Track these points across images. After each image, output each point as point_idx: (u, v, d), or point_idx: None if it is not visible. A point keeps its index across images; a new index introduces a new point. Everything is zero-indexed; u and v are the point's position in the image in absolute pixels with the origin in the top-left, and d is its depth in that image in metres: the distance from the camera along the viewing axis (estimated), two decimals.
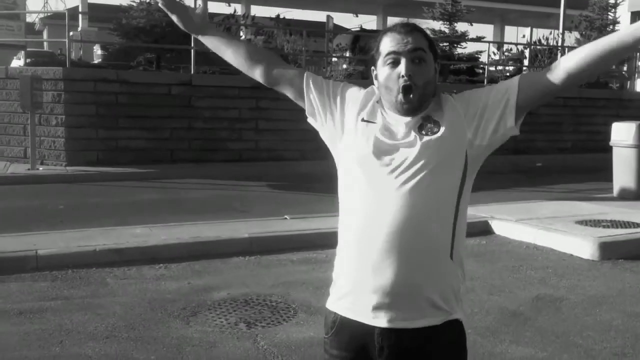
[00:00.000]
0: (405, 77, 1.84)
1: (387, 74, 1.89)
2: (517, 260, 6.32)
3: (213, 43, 2.20)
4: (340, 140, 1.98)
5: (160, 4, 2.16)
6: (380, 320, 1.84)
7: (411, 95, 1.85)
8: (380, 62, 1.92)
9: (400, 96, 1.86)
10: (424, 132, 1.87)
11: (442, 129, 1.86)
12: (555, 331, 4.48)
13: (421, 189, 1.81)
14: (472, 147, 1.89)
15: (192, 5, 2.32)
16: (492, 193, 10.11)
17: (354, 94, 2.02)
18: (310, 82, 2.05)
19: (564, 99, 16.13)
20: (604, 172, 10.16)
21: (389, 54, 1.88)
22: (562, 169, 13.92)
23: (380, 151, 1.86)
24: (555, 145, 16.20)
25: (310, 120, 2.08)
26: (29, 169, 11.21)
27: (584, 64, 1.83)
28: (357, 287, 1.87)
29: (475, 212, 8.07)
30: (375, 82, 1.98)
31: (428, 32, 1.99)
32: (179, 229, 6.83)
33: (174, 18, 2.18)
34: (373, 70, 1.98)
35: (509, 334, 4.42)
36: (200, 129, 12.81)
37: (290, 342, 4.18)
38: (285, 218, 7.57)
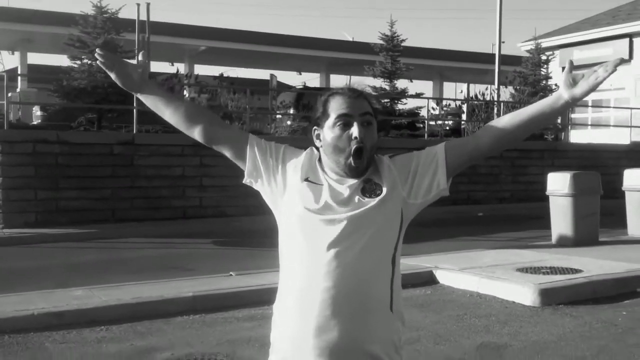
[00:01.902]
0: (358, 139, 1.91)
1: (336, 135, 1.93)
2: (461, 308, 6.40)
3: (152, 101, 2.18)
4: (281, 199, 2.00)
5: (99, 62, 2.14)
6: None
7: (362, 157, 1.91)
8: (328, 123, 1.97)
9: (351, 158, 1.91)
10: (367, 195, 1.92)
11: (384, 191, 1.93)
12: None
13: (361, 250, 1.86)
14: (407, 205, 1.96)
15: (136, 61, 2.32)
16: (436, 243, 10.28)
17: (295, 155, 2.06)
18: (255, 144, 2.07)
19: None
20: (543, 220, 10.46)
21: (340, 116, 1.94)
22: (502, 218, 14.24)
23: (323, 212, 1.90)
24: (495, 195, 16.61)
25: (248, 181, 2.08)
26: None
27: (505, 132, 1.97)
28: (299, 349, 1.87)
29: (419, 262, 8.19)
30: (316, 142, 2.02)
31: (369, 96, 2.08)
32: (121, 290, 6.69)
33: (113, 75, 2.15)
34: (315, 130, 2.02)
35: None
36: (143, 188, 12.68)
37: None
38: (231, 274, 7.51)
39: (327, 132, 1.96)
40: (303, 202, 1.93)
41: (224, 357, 4.95)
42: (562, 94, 1.96)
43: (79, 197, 12.08)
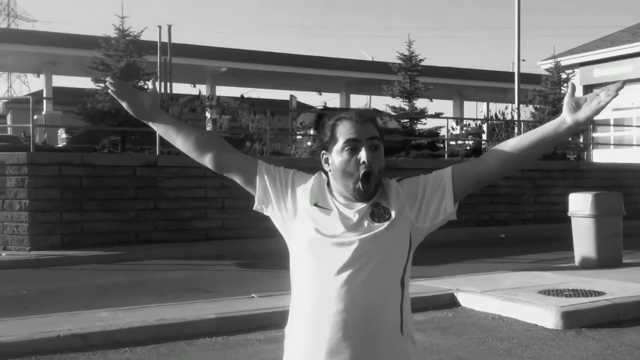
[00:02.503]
0: (367, 163, 1.94)
1: (344, 160, 1.97)
2: (483, 332, 6.39)
3: (164, 129, 2.22)
4: (292, 224, 2.05)
5: (110, 91, 2.18)
6: None
7: (370, 181, 1.95)
8: (337, 147, 2.00)
9: (360, 183, 1.94)
10: (375, 219, 1.96)
11: (393, 215, 1.96)
12: None
13: (371, 273, 1.90)
14: (415, 229, 2.00)
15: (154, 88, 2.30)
16: (458, 265, 10.27)
17: (305, 179, 2.10)
18: (264, 171, 2.11)
19: (522, 171, 16.57)
20: (566, 241, 10.39)
21: (348, 140, 1.97)
22: (525, 239, 14.16)
23: (333, 236, 1.94)
24: (517, 217, 16.53)
25: (259, 207, 2.13)
26: None
27: (511, 157, 2.00)
28: None
29: (441, 284, 8.19)
30: (325, 166, 2.06)
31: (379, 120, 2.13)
32: (145, 312, 6.78)
33: (124, 104, 2.19)
34: (324, 154, 2.06)
35: None
36: (166, 210, 12.82)
37: None
38: (253, 296, 7.56)
39: (336, 157, 2.00)
40: (314, 225, 1.97)
41: None
42: (565, 118, 1.97)
43: (103, 219, 12.25)
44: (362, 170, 1.94)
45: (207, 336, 6.19)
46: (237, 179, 2.17)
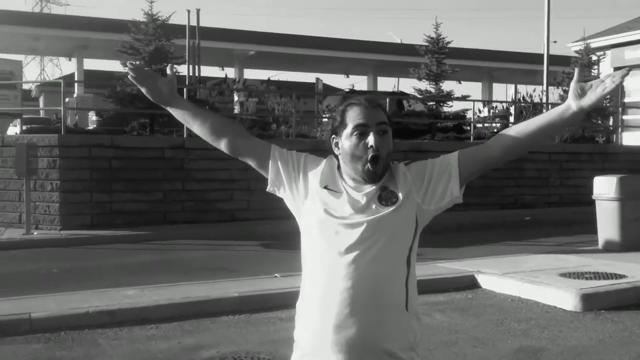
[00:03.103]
0: (374, 147, 2.02)
1: (354, 144, 2.05)
2: (502, 313, 6.45)
3: (181, 114, 2.32)
4: (303, 205, 2.14)
5: (129, 77, 2.27)
6: None
7: (378, 163, 2.03)
8: (346, 132, 2.08)
9: (368, 165, 2.03)
10: (383, 203, 2.04)
11: (400, 199, 2.05)
12: None
13: (378, 254, 1.99)
14: (421, 211, 2.08)
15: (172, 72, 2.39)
16: (480, 248, 10.31)
17: (316, 163, 2.19)
18: (277, 155, 2.21)
19: (549, 154, 16.47)
20: (591, 224, 10.34)
21: (357, 126, 2.06)
22: (550, 222, 14.12)
23: (342, 219, 2.03)
24: (543, 199, 16.45)
25: (271, 189, 2.22)
26: (23, 234, 11.35)
27: (516, 143, 2.05)
28: (320, 345, 2.02)
29: (462, 266, 8.25)
30: (335, 150, 2.15)
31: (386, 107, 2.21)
32: (170, 290, 6.96)
33: (144, 90, 2.28)
34: (334, 138, 2.15)
35: None
36: (193, 191, 13.04)
37: None
38: (276, 276, 7.70)
39: (345, 141, 2.08)
40: (323, 207, 2.07)
41: (266, 355, 5.14)
42: (570, 105, 2.00)
43: (132, 200, 12.51)
44: (370, 154, 2.02)
45: (230, 314, 6.35)
46: (252, 163, 2.27)
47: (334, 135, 2.16)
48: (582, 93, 1.97)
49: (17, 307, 6.20)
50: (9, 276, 8.43)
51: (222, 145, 2.26)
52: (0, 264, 9.28)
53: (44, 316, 5.96)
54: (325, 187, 2.10)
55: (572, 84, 2.00)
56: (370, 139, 2.03)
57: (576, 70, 2.07)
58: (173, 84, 2.32)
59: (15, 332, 5.68)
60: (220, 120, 2.32)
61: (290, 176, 2.18)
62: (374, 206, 2.04)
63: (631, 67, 2.13)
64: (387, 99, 16.35)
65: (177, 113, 2.33)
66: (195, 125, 2.29)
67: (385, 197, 2.05)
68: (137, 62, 15.67)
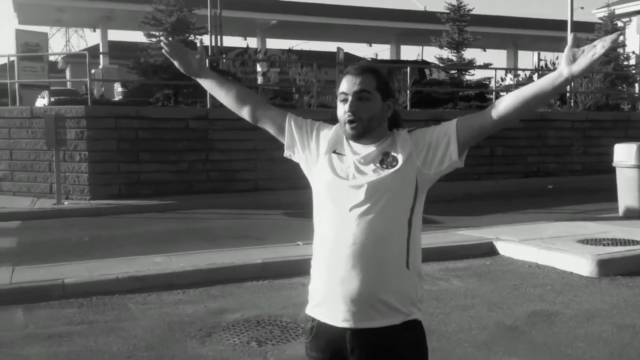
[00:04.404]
0: (349, 113, 2.22)
1: (339, 110, 2.27)
2: (518, 278, 6.60)
3: (209, 85, 2.57)
4: (315, 166, 2.33)
5: (163, 51, 2.53)
6: (349, 323, 2.18)
7: (355, 125, 2.22)
8: (338, 99, 2.30)
9: (347, 126, 2.23)
10: (384, 166, 2.22)
11: (400, 162, 2.21)
12: (547, 343, 4.76)
13: (379, 213, 2.16)
14: (421, 174, 2.23)
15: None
16: (502, 216, 10.43)
17: (327, 130, 2.38)
18: (292, 121, 2.42)
19: (572, 122, 16.39)
20: (613, 192, 10.38)
21: (340, 93, 2.27)
22: (572, 190, 14.15)
23: (347, 180, 2.21)
24: (566, 167, 16.43)
25: (287, 153, 2.42)
26: (54, 204, 11.69)
27: (508, 110, 2.15)
28: (329, 296, 2.21)
29: (482, 234, 8.38)
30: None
31: (381, 72, 2.35)
32: (196, 257, 7.21)
33: (176, 63, 2.55)
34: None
35: (503, 346, 4.71)
36: (218, 161, 13.28)
37: (298, 357, 4.50)
38: (298, 244, 7.91)
39: (337, 107, 2.30)
40: (332, 170, 2.26)
41: (288, 318, 5.36)
42: (562, 71, 2.03)
43: (158, 170, 12.78)
44: (346, 118, 2.23)
45: (254, 279, 6.58)
46: (270, 129, 2.48)
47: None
48: (573, 59, 1.99)
49: (50, 273, 6.49)
50: (42, 244, 8.76)
51: (244, 113, 2.50)
52: (33, 233, 9.64)
53: (76, 282, 6.24)
54: (334, 152, 2.29)
55: (566, 50, 2.01)
56: (346, 105, 2.22)
57: (570, 36, 2.07)
58: (203, 57, 2.57)
59: (50, 297, 5.97)
60: (243, 91, 2.55)
61: (304, 140, 2.38)
62: (375, 169, 2.21)
63: (622, 32, 2.16)
64: (408, 68, 16.33)
65: (205, 83, 2.58)
66: (221, 94, 2.53)
67: (386, 161, 2.23)
68: (160, 34, 15.85)
